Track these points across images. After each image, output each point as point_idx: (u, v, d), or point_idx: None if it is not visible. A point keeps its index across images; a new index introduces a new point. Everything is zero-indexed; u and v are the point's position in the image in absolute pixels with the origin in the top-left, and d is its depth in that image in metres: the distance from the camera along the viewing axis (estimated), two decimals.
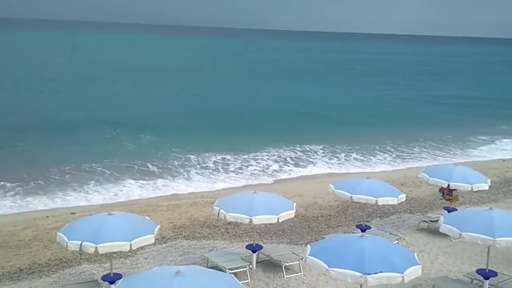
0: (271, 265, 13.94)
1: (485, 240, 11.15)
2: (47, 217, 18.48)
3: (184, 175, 25.03)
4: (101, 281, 12.19)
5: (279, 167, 27.25)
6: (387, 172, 27.00)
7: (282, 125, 39.00)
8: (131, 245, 10.74)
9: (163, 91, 54.68)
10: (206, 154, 28.61)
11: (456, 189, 16.48)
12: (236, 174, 25.68)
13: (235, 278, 8.50)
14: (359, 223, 16.78)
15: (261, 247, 14.14)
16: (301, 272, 13.57)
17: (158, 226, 11.79)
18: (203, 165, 26.90)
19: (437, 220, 14.03)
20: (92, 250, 10.59)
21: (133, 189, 22.58)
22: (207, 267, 12.72)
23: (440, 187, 16.88)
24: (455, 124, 41.89)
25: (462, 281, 12.94)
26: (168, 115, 40.86)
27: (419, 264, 9.46)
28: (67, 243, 10.72)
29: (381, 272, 8.90)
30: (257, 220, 12.74)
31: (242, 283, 8.54)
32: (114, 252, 11.70)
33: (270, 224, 15.91)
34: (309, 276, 13.45)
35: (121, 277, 11.26)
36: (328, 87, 64.34)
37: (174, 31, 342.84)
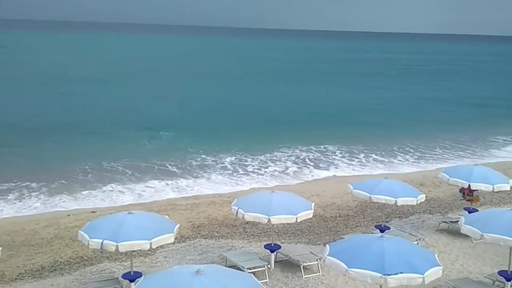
0: (289, 265, 13.95)
1: (507, 241, 11.01)
2: (68, 215, 18.77)
3: (204, 176, 24.97)
4: (122, 279, 12.34)
5: (298, 168, 26.97)
6: (406, 172, 26.74)
7: (296, 125, 38.70)
8: (151, 243, 10.82)
9: (176, 91, 54.99)
10: (222, 155, 28.64)
11: (477, 190, 16.25)
12: (257, 175, 25.52)
13: (255, 278, 8.53)
14: (378, 224, 16.69)
15: (279, 247, 14.14)
16: (319, 272, 13.55)
17: (178, 225, 11.87)
18: (221, 165, 26.92)
19: (457, 221, 13.86)
20: (113, 249, 10.72)
21: (158, 190, 22.66)
22: (225, 266, 12.78)
23: (460, 188, 16.68)
24: (477, 124, 41.22)
25: (484, 283, 12.78)
26: (182, 115, 41.19)
27: (440, 265, 9.37)
28: (88, 241, 10.85)
29: (401, 273, 8.84)
30: (275, 220, 12.75)
31: (260, 282, 8.57)
32: (134, 251, 11.83)
33: (288, 224, 15.91)
34: (328, 276, 13.42)
35: (141, 275, 11.36)
36: (344, 87, 63.87)
37: (178, 31, 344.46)
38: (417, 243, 14.76)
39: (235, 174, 25.64)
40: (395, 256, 9.12)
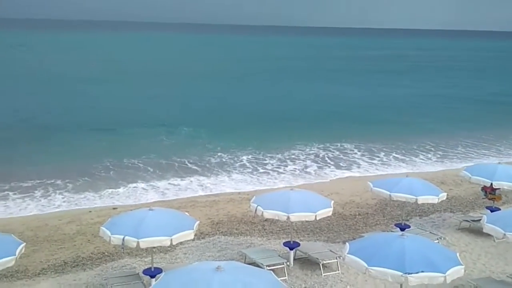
0: (308, 263, 13.94)
1: None
2: (90, 211, 19.07)
3: (225, 175, 25.01)
4: (142, 274, 12.49)
5: (319, 167, 26.75)
6: (426, 170, 26.44)
7: (307, 123, 38.36)
8: (171, 240, 10.93)
9: (190, 90, 55.13)
10: (239, 153, 28.71)
11: (499, 188, 16.02)
12: (278, 174, 25.42)
13: (274, 275, 8.54)
14: (398, 222, 16.55)
15: (298, 245, 14.14)
16: (338, 270, 13.51)
17: (198, 222, 11.95)
18: (240, 163, 26.97)
19: (479, 220, 13.67)
20: (134, 245, 10.84)
21: (182, 188, 22.78)
22: (244, 263, 12.81)
23: (482, 186, 16.45)
24: (496, 122, 40.51)
25: (506, 282, 12.58)
26: (195, 113, 41.27)
27: (462, 265, 9.26)
28: (110, 237, 11.00)
29: (422, 271, 8.76)
30: (295, 217, 12.75)
31: (280, 280, 8.57)
32: (154, 247, 11.96)
33: (307, 221, 15.88)
34: (347, 274, 13.38)
35: (162, 271, 11.50)
36: (351, 84, 63.22)
37: (179, 29, 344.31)
38: (438, 242, 14.59)
39: (255, 172, 25.61)
40: (416, 255, 9.04)
